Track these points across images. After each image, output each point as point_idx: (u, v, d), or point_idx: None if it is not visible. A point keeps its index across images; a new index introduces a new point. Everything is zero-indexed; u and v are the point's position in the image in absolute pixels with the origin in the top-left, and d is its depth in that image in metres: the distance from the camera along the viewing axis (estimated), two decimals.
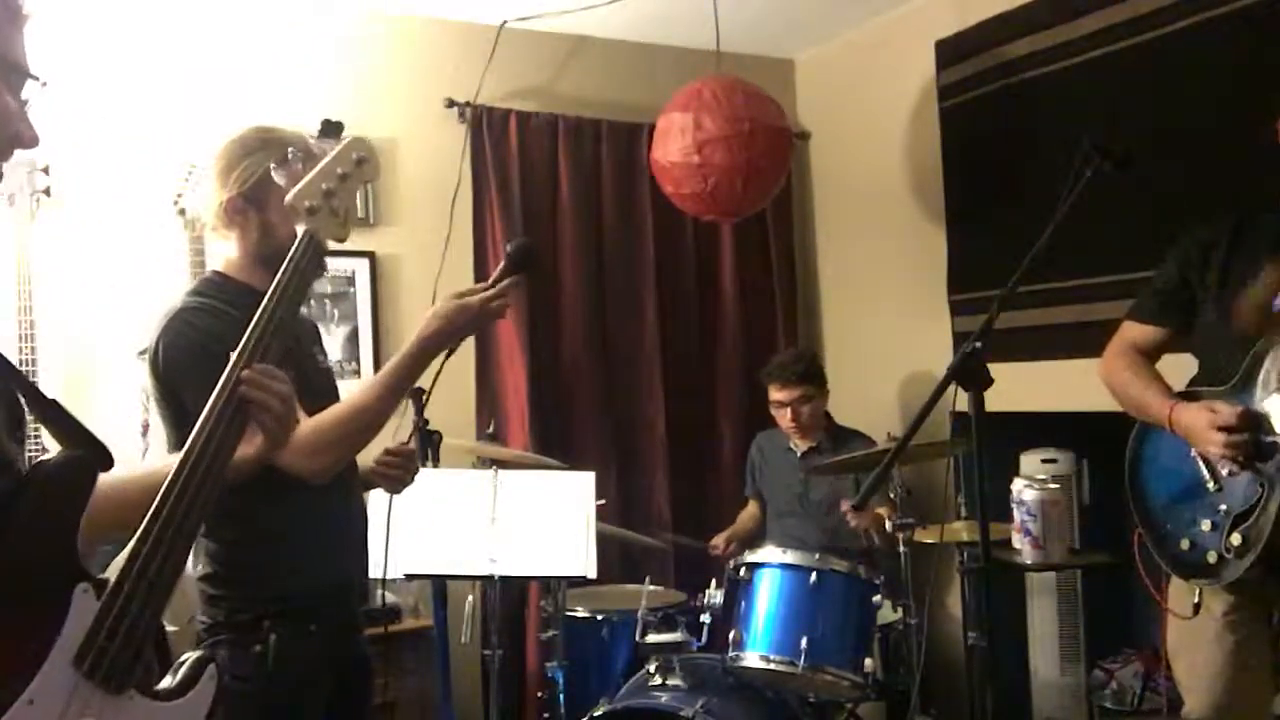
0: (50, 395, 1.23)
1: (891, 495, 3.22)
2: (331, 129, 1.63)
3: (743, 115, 3.59)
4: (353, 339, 3.85)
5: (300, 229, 1.53)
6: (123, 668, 1.13)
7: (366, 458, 2.12)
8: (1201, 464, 2.26)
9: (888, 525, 3.34)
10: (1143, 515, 2.40)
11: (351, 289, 3.86)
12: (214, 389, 1.33)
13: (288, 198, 1.56)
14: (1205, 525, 2.24)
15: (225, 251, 2.06)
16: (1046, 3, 3.53)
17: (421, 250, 3.95)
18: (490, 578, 3.02)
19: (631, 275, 4.27)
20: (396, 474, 2.14)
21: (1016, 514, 3.21)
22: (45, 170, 3.06)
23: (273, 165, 1.78)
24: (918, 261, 4.06)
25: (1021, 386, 3.33)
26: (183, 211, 3.28)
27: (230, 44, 3.66)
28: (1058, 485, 3.28)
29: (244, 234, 2.01)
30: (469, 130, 4.01)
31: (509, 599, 3.57)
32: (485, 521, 3.02)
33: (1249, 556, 2.15)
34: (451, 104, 3.99)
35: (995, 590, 2.29)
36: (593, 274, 4.20)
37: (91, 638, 1.11)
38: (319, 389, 2.09)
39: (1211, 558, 2.22)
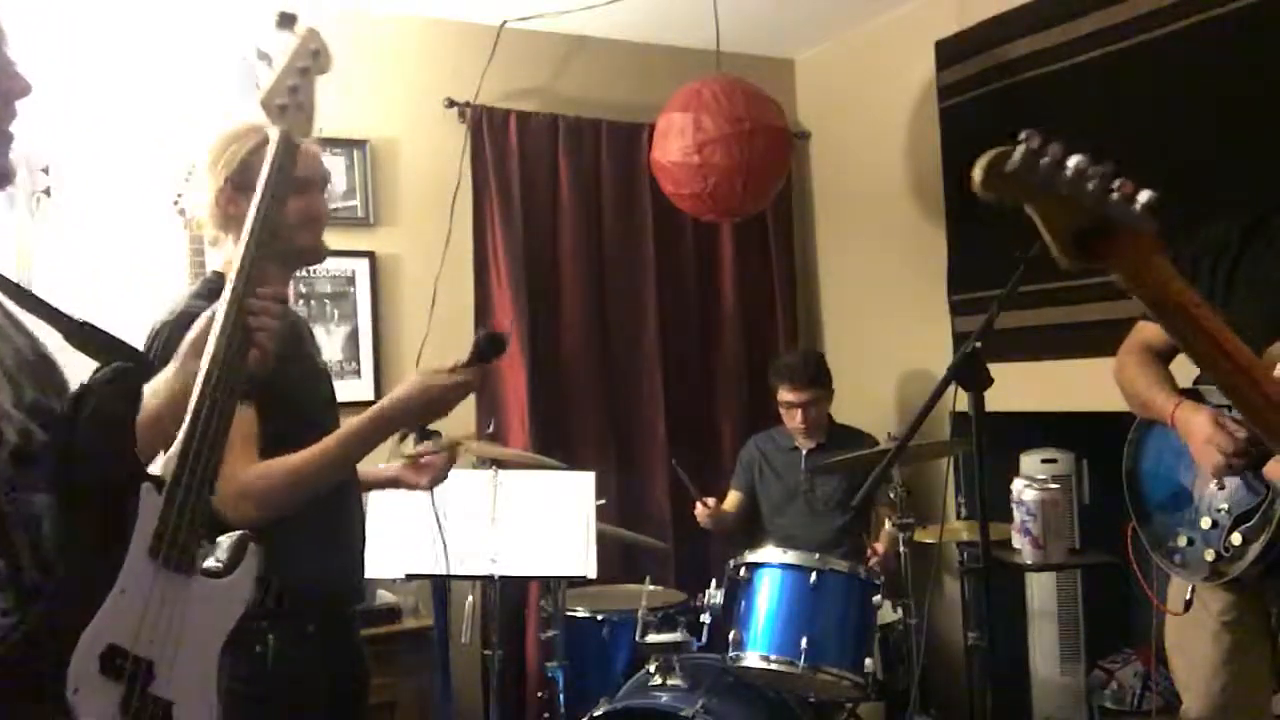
0: (79, 317, 1.32)
1: (891, 495, 3.22)
2: (287, 20, 1.62)
3: (743, 115, 3.59)
4: (353, 339, 3.85)
5: (274, 131, 1.58)
6: (187, 554, 1.28)
7: (374, 460, 2.12)
8: (1193, 470, 2.25)
9: (887, 524, 3.34)
10: (1140, 511, 2.40)
11: (351, 289, 3.86)
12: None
13: (260, 97, 1.60)
14: (1205, 523, 2.23)
15: (224, 253, 2.05)
16: (1046, 3, 3.53)
17: (421, 250, 3.95)
18: (490, 578, 3.02)
19: (631, 275, 4.27)
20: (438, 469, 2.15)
21: (1016, 514, 3.21)
22: (45, 170, 3.07)
23: (252, 147, 1.83)
24: (918, 261, 4.06)
25: (1021, 386, 3.33)
26: (183, 211, 3.28)
27: (231, 43, 3.66)
28: (1058, 485, 3.28)
29: (237, 227, 2.01)
30: (469, 130, 4.01)
31: (509, 599, 3.57)
32: (485, 521, 3.02)
33: (1248, 556, 2.14)
34: (451, 104, 3.99)
35: (995, 590, 2.30)
36: (593, 274, 4.20)
37: (160, 531, 1.26)
38: (317, 392, 2.09)
39: (1210, 555, 2.21)
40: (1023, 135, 1.10)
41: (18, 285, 1.31)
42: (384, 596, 3.51)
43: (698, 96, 3.64)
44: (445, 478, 2.18)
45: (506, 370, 4.01)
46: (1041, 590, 3.79)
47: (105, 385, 1.26)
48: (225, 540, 1.40)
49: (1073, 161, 1.10)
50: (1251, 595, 2.25)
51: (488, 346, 2.01)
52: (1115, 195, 1.10)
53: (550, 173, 4.15)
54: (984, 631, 2.71)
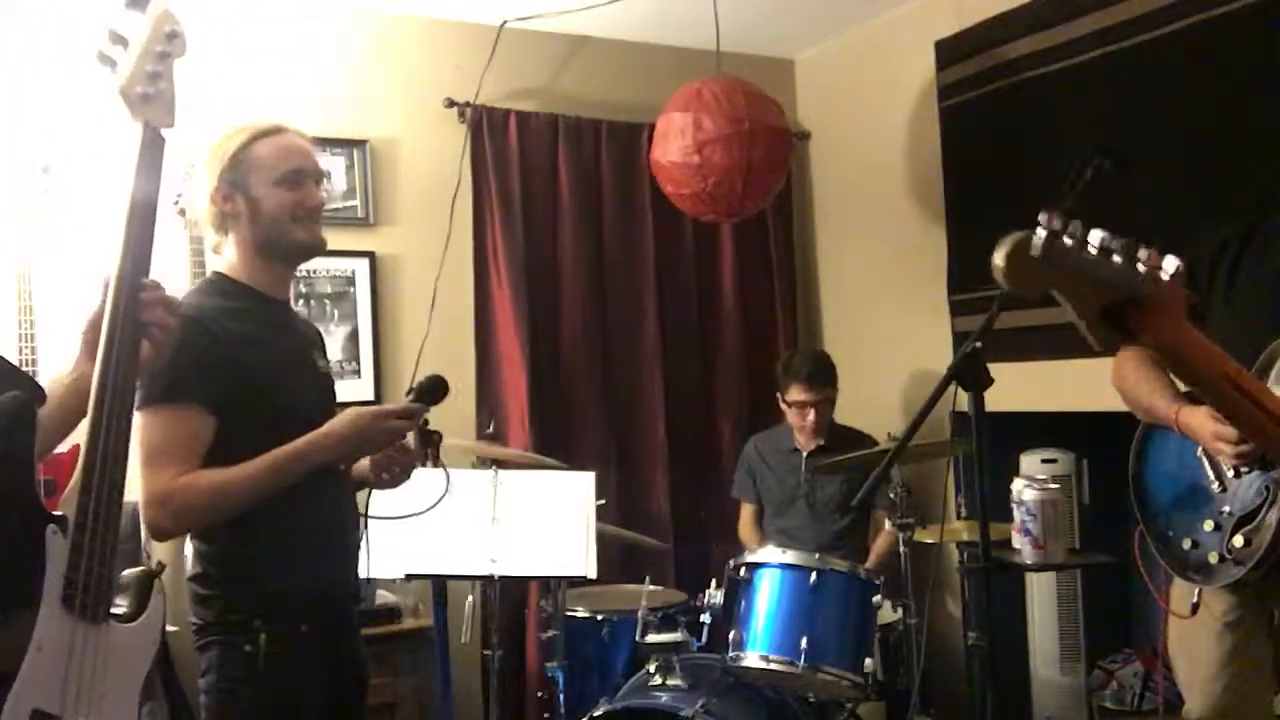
0: None
1: (891, 495, 3.22)
2: (138, 1, 1.50)
3: (743, 115, 3.59)
4: (353, 339, 3.85)
5: (139, 124, 1.51)
6: (102, 600, 1.22)
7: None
8: (1207, 465, 2.26)
9: (887, 525, 3.34)
10: (1145, 515, 2.40)
11: (351, 289, 3.86)
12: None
13: (119, 85, 1.51)
14: (1208, 526, 2.23)
15: (225, 254, 2.05)
16: (1046, 3, 3.53)
17: (421, 250, 3.95)
18: (490, 578, 3.02)
19: (631, 275, 4.27)
20: (397, 468, 2.13)
21: (1016, 514, 3.21)
22: (45, 170, 3.06)
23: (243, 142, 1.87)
24: (918, 261, 4.06)
25: (1021, 386, 3.32)
26: (183, 212, 3.27)
27: (230, 43, 3.66)
28: (1058, 485, 3.27)
29: (237, 225, 2.01)
30: (469, 130, 4.01)
31: (509, 599, 3.57)
32: (485, 521, 3.02)
33: (1251, 559, 2.15)
34: (451, 104, 3.99)
35: (995, 590, 2.30)
36: (593, 274, 4.20)
37: (70, 577, 1.19)
38: (318, 396, 2.09)
39: (1213, 558, 2.22)
40: (1041, 218, 1.08)
41: None
42: (384, 596, 3.51)
43: (698, 96, 3.64)
44: (406, 478, 2.14)
45: (506, 370, 4.01)
46: (1041, 590, 3.79)
47: (2, 420, 1.19)
48: (124, 579, 1.33)
49: (1095, 239, 1.08)
50: (1252, 596, 2.26)
51: (427, 388, 2.03)
52: (1143, 267, 1.08)
53: (550, 173, 4.15)
54: (984, 631, 2.71)
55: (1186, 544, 2.28)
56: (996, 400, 2.08)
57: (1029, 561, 3.20)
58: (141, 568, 1.36)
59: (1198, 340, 1.10)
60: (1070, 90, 3.45)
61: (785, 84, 4.61)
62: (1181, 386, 2.31)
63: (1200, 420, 2.18)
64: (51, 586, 1.17)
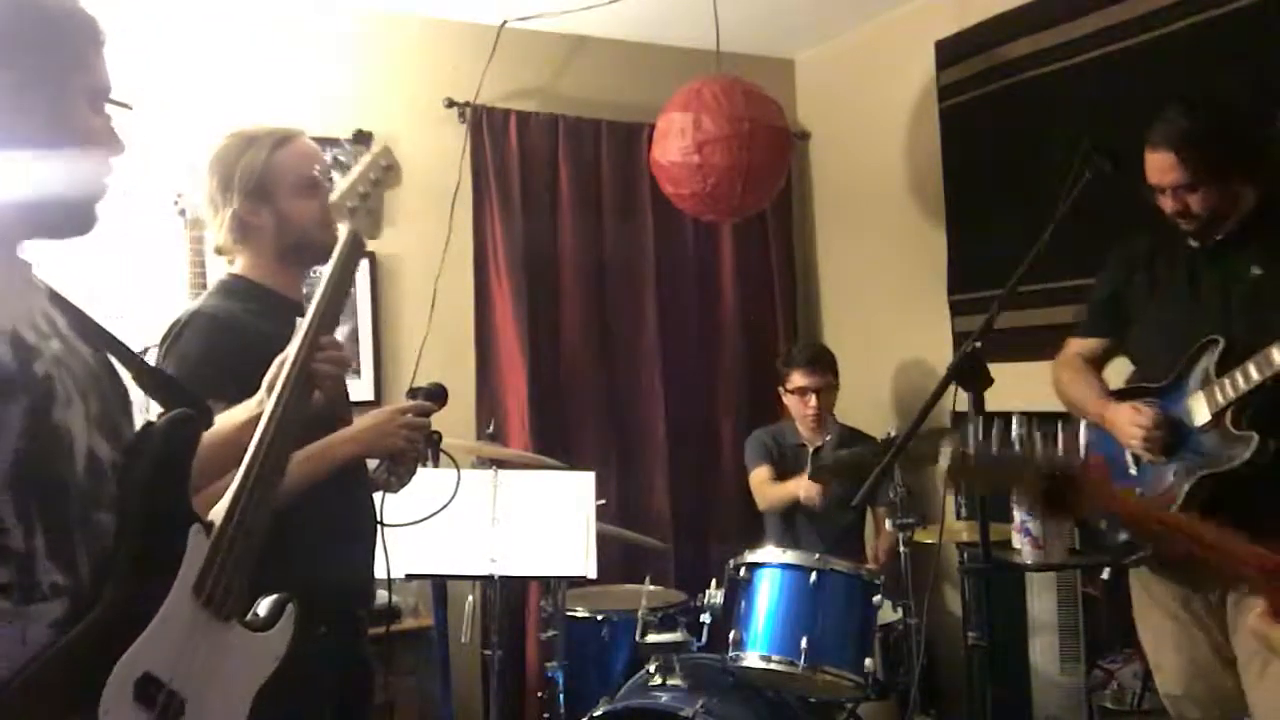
0: (147, 359, 1.42)
1: (891, 495, 3.22)
2: (363, 138, 1.86)
3: (743, 115, 3.59)
4: (353, 339, 3.85)
5: (343, 228, 1.77)
6: (228, 598, 1.31)
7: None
8: (1128, 453, 2.49)
9: (887, 524, 3.34)
10: None
11: (352, 289, 3.86)
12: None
13: (333, 197, 1.82)
14: None
15: (244, 258, 2.04)
16: (1046, 3, 3.54)
17: (421, 250, 3.95)
18: (490, 578, 3.02)
19: (631, 275, 4.27)
20: (403, 468, 2.13)
21: (1016, 514, 3.21)
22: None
23: (266, 155, 1.92)
24: (918, 261, 4.06)
25: (1021, 386, 3.32)
26: (183, 212, 3.27)
27: (230, 43, 3.67)
28: None
29: (260, 236, 1.99)
30: (469, 130, 4.01)
31: (509, 599, 3.57)
32: (485, 521, 3.02)
33: None
34: (451, 104, 3.99)
35: (995, 590, 2.31)
36: (593, 274, 4.20)
37: (205, 571, 1.29)
38: (336, 395, 2.10)
39: (1124, 535, 2.43)
40: (964, 428, 1.28)
41: (97, 324, 1.35)
42: (384, 596, 3.51)
43: (698, 96, 3.64)
44: (411, 477, 2.13)
45: (506, 370, 4.02)
46: (1041, 590, 3.79)
47: (168, 428, 1.30)
48: (265, 600, 1.46)
49: (1014, 433, 1.23)
50: (1189, 580, 2.43)
51: (433, 391, 2.10)
52: (1061, 449, 1.21)
53: (550, 173, 4.15)
54: (984, 631, 2.71)
55: (1103, 523, 2.52)
56: (996, 400, 2.08)
57: (1029, 561, 3.20)
58: (283, 593, 1.48)
59: (1123, 499, 1.23)
60: (1070, 90, 3.45)
61: (785, 84, 4.62)
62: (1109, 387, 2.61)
63: (1121, 414, 2.44)
64: (186, 574, 1.26)
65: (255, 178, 1.96)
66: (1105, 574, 2.70)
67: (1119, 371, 2.69)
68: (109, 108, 1.30)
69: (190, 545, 1.28)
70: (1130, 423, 2.41)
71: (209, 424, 1.40)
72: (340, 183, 1.84)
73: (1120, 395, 2.54)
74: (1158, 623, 2.55)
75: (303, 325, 1.66)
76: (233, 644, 1.33)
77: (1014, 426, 1.20)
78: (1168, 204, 2.37)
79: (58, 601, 1.15)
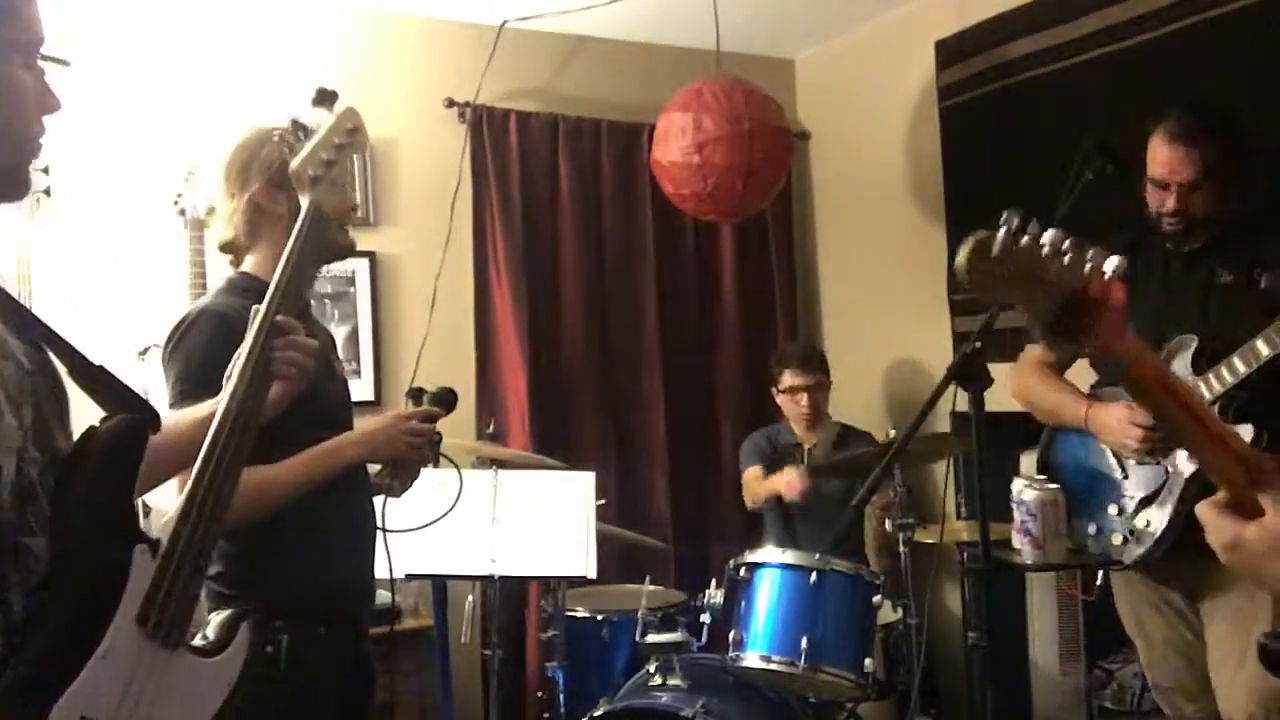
0: (93, 360, 1.26)
1: (892, 495, 3.22)
2: (326, 97, 1.69)
3: (743, 115, 3.59)
4: (353, 339, 3.85)
5: (305, 199, 1.58)
6: (175, 625, 1.19)
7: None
8: (1110, 456, 2.49)
9: (888, 525, 3.34)
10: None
11: (351, 289, 3.86)
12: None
13: (291, 165, 1.60)
14: (1113, 510, 2.47)
15: (253, 255, 2.03)
16: (1046, 3, 3.53)
17: (421, 250, 3.95)
18: (490, 578, 3.02)
19: (631, 275, 4.27)
20: (405, 471, 2.13)
21: (1016, 514, 3.20)
22: (45, 170, 3.06)
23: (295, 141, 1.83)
24: (918, 261, 4.06)
25: None
26: (183, 212, 3.27)
27: (230, 43, 3.66)
28: (1058, 485, 3.27)
29: (275, 226, 1.98)
30: (469, 130, 4.01)
31: (509, 599, 3.57)
32: (485, 521, 3.02)
33: (1153, 537, 2.37)
34: (451, 104, 3.99)
35: (995, 590, 2.30)
36: (593, 274, 4.20)
37: (150, 597, 1.17)
38: (334, 398, 2.09)
39: (1117, 539, 2.45)
40: (1004, 216, 1.14)
41: (33, 316, 1.24)
42: (384, 596, 3.51)
43: (698, 96, 3.64)
44: (414, 480, 2.13)
45: (506, 370, 4.02)
46: (1041, 590, 3.79)
47: (110, 437, 1.18)
48: (215, 618, 1.32)
49: (1048, 237, 1.12)
50: (1171, 578, 2.46)
51: (442, 397, 2.10)
52: (1088, 266, 1.11)
53: (550, 173, 4.15)
54: (984, 631, 2.71)
55: (1092, 528, 2.52)
56: (996, 400, 2.08)
57: (1029, 561, 3.20)
58: (234, 609, 1.34)
59: (1138, 345, 1.14)
60: (1070, 90, 3.45)
61: (785, 84, 4.61)
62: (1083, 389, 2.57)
63: (1112, 414, 2.41)
64: (130, 601, 1.15)
65: (279, 164, 1.95)
66: (1099, 578, 2.67)
67: (1078, 377, 2.64)
68: (43, 63, 1.20)
69: (135, 568, 1.16)
70: (1126, 422, 2.37)
71: (156, 428, 1.25)
72: (300, 148, 1.64)
73: (1098, 398, 2.52)
74: (1143, 616, 2.60)
75: (258, 312, 1.49)
76: (182, 674, 1.20)
77: (1048, 233, 1.12)
78: (1168, 201, 2.35)
79: None
